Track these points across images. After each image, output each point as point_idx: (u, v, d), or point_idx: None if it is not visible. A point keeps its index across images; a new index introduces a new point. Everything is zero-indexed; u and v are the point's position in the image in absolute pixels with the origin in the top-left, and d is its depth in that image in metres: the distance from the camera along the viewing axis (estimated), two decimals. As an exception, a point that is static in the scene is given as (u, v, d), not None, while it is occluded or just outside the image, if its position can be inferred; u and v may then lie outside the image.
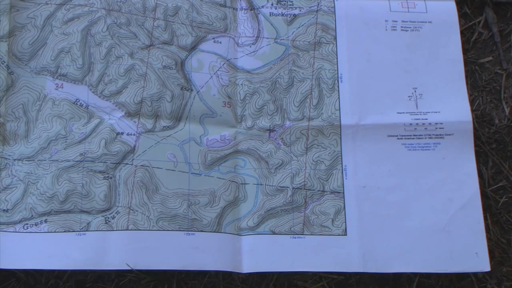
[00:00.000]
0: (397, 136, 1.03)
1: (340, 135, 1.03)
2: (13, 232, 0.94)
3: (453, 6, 1.11)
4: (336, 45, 1.07)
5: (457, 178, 1.02)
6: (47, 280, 0.97)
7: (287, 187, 1.00)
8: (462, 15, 1.17)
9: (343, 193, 1.00)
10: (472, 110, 1.10)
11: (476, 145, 1.07)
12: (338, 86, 1.05)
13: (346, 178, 1.01)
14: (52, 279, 0.97)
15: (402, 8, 1.10)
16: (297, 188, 1.00)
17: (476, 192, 1.01)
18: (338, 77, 1.05)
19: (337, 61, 1.05)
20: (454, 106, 1.05)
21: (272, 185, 1.00)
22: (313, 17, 1.08)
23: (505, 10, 1.19)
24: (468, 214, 1.00)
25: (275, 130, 1.02)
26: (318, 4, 1.10)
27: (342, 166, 1.01)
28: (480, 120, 1.10)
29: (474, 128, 1.08)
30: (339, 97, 1.04)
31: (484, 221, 1.00)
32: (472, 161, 1.03)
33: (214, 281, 0.97)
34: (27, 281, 0.98)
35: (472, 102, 1.11)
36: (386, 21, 1.06)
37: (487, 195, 1.06)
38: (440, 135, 1.03)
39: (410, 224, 0.99)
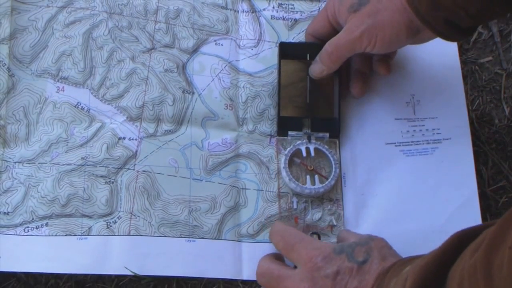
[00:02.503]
0: (395, 143, 1.03)
1: (339, 142, 1.03)
2: (14, 235, 0.94)
3: None
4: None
5: (455, 179, 1.02)
6: (47, 280, 0.98)
7: (287, 193, 1.00)
8: (462, 15, 1.17)
9: (342, 200, 1.00)
10: (472, 110, 1.10)
11: (476, 145, 1.07)
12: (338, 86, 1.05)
13: (345, 186, 1.01)
14: (52, 279, 0.98)
15: None
16: (297, 193, 1.00)
17: (474, 191, 1.01)
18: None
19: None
20: (451, 111, 1.05)
21: (273, 191, 1.00)
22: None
23: (506, 10, 1.19)
24: (466, 214, 1.00)
25: (275, 136, 1.02)
26: (319, 9, 1.09)
27: (341, 173, 1.01)
28: (480, 120, 1.11)
29: (474, 128, 1.08)
30: (338, 104, 1.03)
31: (483, 221, 1.01)
32: (471, 162, 1.03)
33: (214, 281, 0.97)
34: (27, 281, 0.98)
35: (472, 102, 1.12)
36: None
37: (487, 195, 1.06)
38: (438, 140, 1.04)
39: (408, 227, 0.99)
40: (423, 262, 0.73)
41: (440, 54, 1.08)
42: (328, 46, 0.98)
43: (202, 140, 1.00)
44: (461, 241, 0.70)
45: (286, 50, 1.05)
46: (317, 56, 1.00)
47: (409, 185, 1.02)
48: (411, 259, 0.81)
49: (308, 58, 1.04)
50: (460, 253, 0.69)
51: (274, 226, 0.96)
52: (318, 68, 1.00)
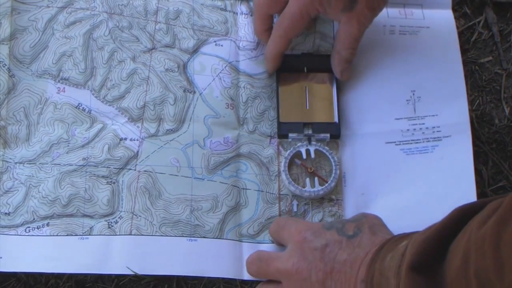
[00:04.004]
0: (395, 142, 1.03)
1: (339, 143, 1.03)
2: (15, 235, 0.94)
3: (450, 14, 1.11)
4: (335, 54, 1.08)
5: (454, 175, 1.02)
6: (47, 280, 0.98)
7: (287, 195, 1.00)
8: (462, 15, 1.17)
9: (342, 200, 1.00)
10: (472, 110, 1.10)
11: (476, 145, 1.07)
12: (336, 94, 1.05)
13: (345, 186, 1.01)
14: (52, 279, 0.98)
15: (400, 14, 1.10)
16: (296, 195, 1.00)
17: (472, 187, 1.01)
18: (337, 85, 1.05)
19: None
20: (452, 108, 1.05)
21: (273, 193, 1.00)
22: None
23: (505, 10, 1.19)
24: (463, 209, 1.00)
25: (275, 137, 1.03)
26: (318, 11, 1.10)
27: (341, 173, 1.01)
28: (480, 120, 1.11)
29: (474, 128, 1.08)
30: (338, 105, 1.04)
31: (482, 220, 1.01)
32: (470, 158, 1.03)
33: (214, 280, 0.97)
34: (27, 281, 0.98)
35: (472, 102, 1.12)
36: (384, 26, 1.06)
37: (487, 195, 1.06)
38: (438, 137, 1.04)
39: (408, 225, 0.98)
40: (423, 236, 0.73)
41: (441, 48, 1.08)
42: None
43: (204, 139, 1.00)
44: (463, 215, 0.70)
45: (283, 63, 1.05)
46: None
47: (409, 184, 1.02)
48: (407, 235, 0.81)
49: (305, 70, 1.06)
50: (462, 228, 0.69)
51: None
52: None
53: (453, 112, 1.05)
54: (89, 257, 0.93)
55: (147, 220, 0.95)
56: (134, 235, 0.94)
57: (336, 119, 1.03)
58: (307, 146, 1.02)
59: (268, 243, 0.97)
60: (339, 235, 0.87)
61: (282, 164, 1.00)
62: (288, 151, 1.01)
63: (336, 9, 0.96)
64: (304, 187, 0.99)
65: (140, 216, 0.95)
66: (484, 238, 0.61)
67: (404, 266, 0.72)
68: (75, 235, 0.94)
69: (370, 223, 0.90)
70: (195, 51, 1.05)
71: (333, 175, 1.00)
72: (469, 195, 1.01)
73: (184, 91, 1.02)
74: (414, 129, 1.04)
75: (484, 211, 0.67)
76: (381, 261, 0.79)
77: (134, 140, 0.99)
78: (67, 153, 0.98)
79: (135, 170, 0.98)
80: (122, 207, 0.96)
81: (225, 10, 1.09)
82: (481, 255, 0.61)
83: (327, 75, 1.06)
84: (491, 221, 0.62)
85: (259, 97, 1.04)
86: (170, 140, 0.99)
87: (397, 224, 0.96)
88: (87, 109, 1.00)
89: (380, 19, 1.05)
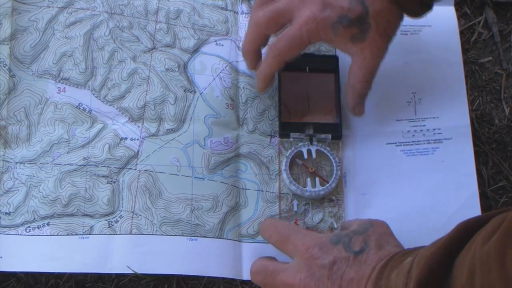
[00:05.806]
0: (396, 143, 1.03)
1: (340, 143, 1.03)
2: (16, 234, 0.94)
3: (452, 11, 1.11)
4: (335, 53, 1.08)
5: (456, 180, 1.02)
6: (47, 280, 0.98)
7: (288, 194, 1.00)
8: (462, 15, 1.17)
9: (343, 200, 1.00)
10: (472, 110, 1.11)
11: (476, 145, 1.07)
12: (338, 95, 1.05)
13: (345, 186, 1.01)
14: (52, 279, 0.98)
15: None
16: (297, 195, 1.00)
17: (474, 192, 1.01)
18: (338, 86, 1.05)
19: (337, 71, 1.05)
20: (453, 110, 1.05)
21: (273, 192, 1.00)
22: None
23: (505, 10, 1.19)
24: (467, 214, 1.00)
25: (276, 136, 1.03)
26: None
27: (341, 173, 1.01)
28: (480, 120, 1.11)
29: (474, 128, 1.08)
30: (339, 106, 1.04)
31: (483, 221, 1.01)
32: (471, 162, 1.03)
33: (214, 280, 0.98)
34: (27, 281, 0.98)
35: (472, 102, 1.12)
36: (385, 25, 1.07)
37: (487, 195, 1.06)
38: (439, 139, 1.04)
39: (408, 226, 0.99)
40: (428, 252, 0.73)
41: (442, 48, 1.08)
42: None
43: (204, 138, 1.00)
44: (467, 230, 0.70)
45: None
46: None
47: (409, 185, 1.02)
48: (410, 251, 0.81)
49: (307, 70, 1.06)
50: (466, 243, 0.69)
51: (265, 221, 0.97)
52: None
53: (453, 114, 1.05)
54: (90, 257, 0.93)
55: (148, 219, 0.95)
56: (135, 234, 0.94)
57: (337, 120, 1.03)
58: (308, 146, 1.02)
59: (267, 243, 0.97)
60: (346, 251, 0.86)
61: (283, 163, 1.00)
62: (289, 150, 1.01)
63: (344, 38, 0.94)
64: (304, 187, 0.99)
65: (140, 215, 0.95)
66: (489, 254, 0.62)
67: (411, 285, 0.72)
68: (75, 235, 0.94)
69: (377, 234, 0.89)
70: (195, 50, 1.05)
71: (333, 175, 1.00)
72: (472, 198, 1.01)
73: (185, 90, 1.02)
74: (415, 131, 1.04)
75: (488, 226, 0.67)
76: (386, 279, 0.80)
77: (134, 139, 0.99)
78: (67, 153, 0.98)
79: (135, 169, 0.98)
80: (122, 207, 0.96)
81: (226, 9, 1.09)
82: (486, 271, 0.62)
83: (328, 75, 1.06)
84: (496, 236, 0.62)
85: (258, 97, 1.04)
86: (171, 140, 0.99)
87: (398, 225, 0.96)
88: (87, 109, 1.00)
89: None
